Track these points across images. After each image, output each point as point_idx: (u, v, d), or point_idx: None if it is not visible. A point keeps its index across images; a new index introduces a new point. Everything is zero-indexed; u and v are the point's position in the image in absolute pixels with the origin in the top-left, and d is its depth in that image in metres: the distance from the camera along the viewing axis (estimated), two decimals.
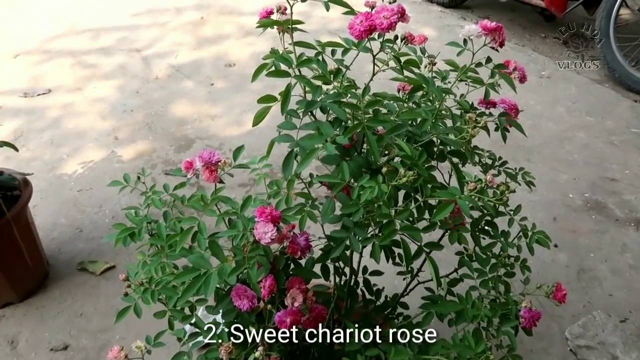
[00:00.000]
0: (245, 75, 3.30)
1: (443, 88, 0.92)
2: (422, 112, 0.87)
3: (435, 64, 1.06)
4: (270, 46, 1.00)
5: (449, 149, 0.92)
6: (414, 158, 0.80)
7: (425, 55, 1.05)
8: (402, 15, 0.78)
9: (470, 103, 1.04)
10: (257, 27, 0.92)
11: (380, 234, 0.83)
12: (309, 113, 0.88)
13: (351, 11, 0.87)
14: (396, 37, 0.87)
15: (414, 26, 3.75)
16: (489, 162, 1.10)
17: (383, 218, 0.78)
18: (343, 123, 0.87)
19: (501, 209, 1.02)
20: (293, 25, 0.93)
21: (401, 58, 0.92)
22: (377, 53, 0.89)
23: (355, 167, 0.86)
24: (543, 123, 2.69)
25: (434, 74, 1.05)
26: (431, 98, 1.01)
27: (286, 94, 0.81)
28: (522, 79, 0.99)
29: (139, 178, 1.13)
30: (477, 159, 1.05)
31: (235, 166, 0.91)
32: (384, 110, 1.01)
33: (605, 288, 1.82)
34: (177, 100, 2.99)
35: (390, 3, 0.79)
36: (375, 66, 0.90)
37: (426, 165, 0.85)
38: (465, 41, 0.90)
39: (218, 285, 0.91)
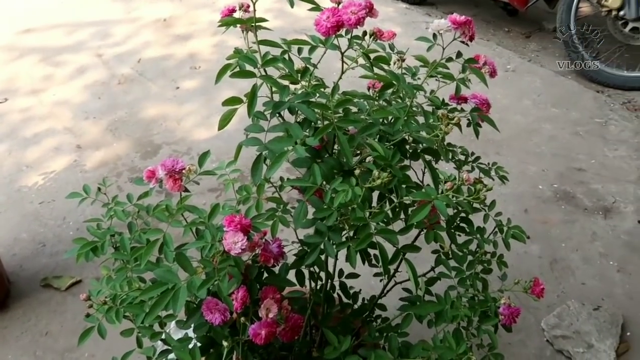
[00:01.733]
0: (213, 77, 3.23)
1: (414, 85, 0.90)
2: (394, 110, 0.84)
3: (404, 60, 1.04)
4: (240, 44, 0.96)
5: (422, 146, 0.90)
6: (387, 158, 0.78)
7: (395, 52, 1.03)
8: (370, 10, 0.76)
9: (442, 99, 1.03)
10: (219, 26, 0.88)
11: (355, 238, 0.80)
12: (277, 114, 0.85)
13: (317, 7, 0.83)
14: (365, 33, 0.85)
15: (380, 23, 3.74)
16: (462, 157, 1.09)
17: (358, 222, 0.75)
18: (313, 124, 0.83)
19: (476, 205, 1.01)
20: (257, 24, 0.90)
21: (370, 55, 0.89)
22: (346, 50, 0.86)
23: (327, 169, 0.83)
24: (510, 116, 2.72)
25: (403, 71, 1.03)
26: (402, 95, 0.99)
27: (252, 96, 0.77)
28: (493, 73, 0.97)
29: (99, 189, 1.07)
30: (450, 155, 1.03)
31: (201, 173, 0.87)
32: (354, 109, 0.98)
33: (577, 277, 1.84)
34: (141, 105, 2.90)
35: None
36: (344, 64, 0.87)
37: (400, 165, 0.82)
38: (434, 36, 0.88)
39: (189, 299, 0.87)
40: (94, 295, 0.90)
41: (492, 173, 1.07)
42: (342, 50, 0.85)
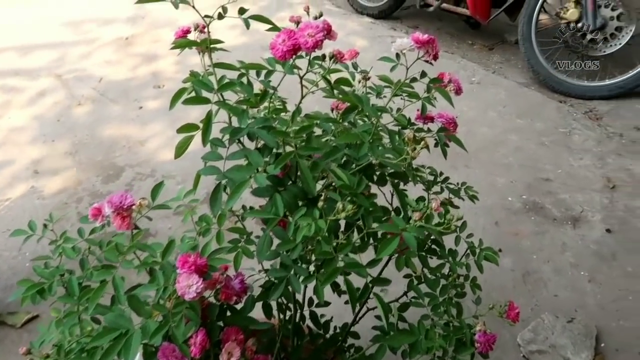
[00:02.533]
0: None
1: (378, 107, 0.87)
2: (359, 134, 0.81)
3: (368, 79, 1.01)
4: (200, 66, 0.91)
5: (389, 170, 0.86)
6: (353, 187, 0.74)
7: (358, 71, 0.99)
8: (328, 33, 0.72)
9: (408, 117, 1.00)
10: (171, 48, 0.83)
11: (322, 272, 0.75)
12: (236, 141, 0.80)
13: (275, 27, 0.80)
14: (324, 56, 0.81)
15: (345, 38, 3.75)
16: (431, 178, 1.06)
17: (323, 256, 0.71)
18: (274, 150, 0.79)
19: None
20: (214, 45, 0.85)
21: (332, 76, 0.86)
22: (305, 74, 0.82)
23: (290, 197, 0.79)
24: (477, 128, 2.74)
25: (368, 90, 1.00)
26: (367, 114, 0.96)
27: (207, 123, 0.72)
28: (458, 91, 0.95)
29: (45, 226, 0.99)
30: (418, 178, 1.00)
31: (155, 207, 0.81)
32: (318, 131, 0.95)
33: (550, 289, 1.84)
34: (103, 126, 2.80)
35: (315, 18, 0.72)
36: (304, 88, 0.83)
37: (367, 193, 0.78)
38: (398, 55, 0.85)
39: (147, 342, 0.80)
40: (35, 347, 0.82)
41: (462, 193, 1.04)
42: (302, 74, 0.81)
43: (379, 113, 0.82)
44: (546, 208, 2.19)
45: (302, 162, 0.73)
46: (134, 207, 0.72)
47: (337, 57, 0.79)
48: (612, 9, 2.97)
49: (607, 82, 3.05)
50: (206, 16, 0.93)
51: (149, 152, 2.60)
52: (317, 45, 0.68)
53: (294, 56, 0.69)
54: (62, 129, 2.78)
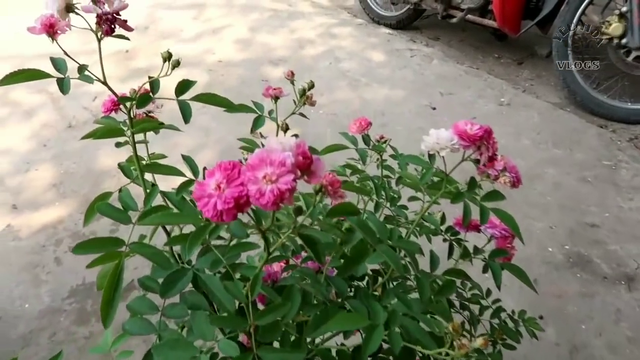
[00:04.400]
0: (177, 117, 2.91)
1: (396, 210, 0.57)
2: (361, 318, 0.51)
3: (385, 161, 0.72)
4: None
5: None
6: None
7: (370, 147, 0.71)
8: (306, 168, 0.42)
9: (440, 217, 0.71)
10: (82, 138, 0.56)
11: None
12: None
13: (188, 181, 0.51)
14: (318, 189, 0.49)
15: (361, 52, 3.47)
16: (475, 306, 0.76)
17: None
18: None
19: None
20: (160, 127, 0.58)
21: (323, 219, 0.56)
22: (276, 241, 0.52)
23: None
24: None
25: (385, 173, 0.72)
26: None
27: (113, 279, 0.44)
28: (516, 183, 0.66)
29: None
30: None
31: None
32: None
33: None
34: (92, 153, 2.55)
35: (285, 130, 0.44)
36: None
37: None
38: (430, 155, 0.57)
39: None
40: None
41: (521, 327, 0.75)
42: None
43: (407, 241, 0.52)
44: (594, 262, 1.87)
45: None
46: None
47: (326, 190, 0.47)
48: None
49: None
50: (149, 77, 0.66)
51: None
52: (282, 199, 0.39)
53: (234, 218, 0.39)
54: (48, 155, 2.53)
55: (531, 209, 2.12)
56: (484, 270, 0.67)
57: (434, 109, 2.89)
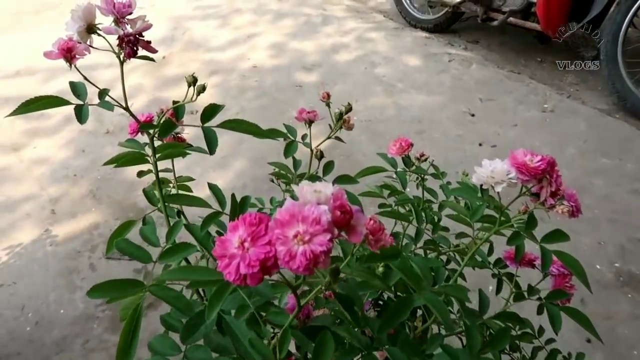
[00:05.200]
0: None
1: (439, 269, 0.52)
2: None
3: (425, 180, 0.67)
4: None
5: None
6: None
7: (411, 169, 0.66)
8: (344, 224, 0.35)
9: (489, 245, 0.65)
10: (104, 164, 0.53)
11: None
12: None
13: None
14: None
15: (397, 56, 3.39)
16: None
17: None
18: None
19: None
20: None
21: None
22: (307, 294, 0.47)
23: None
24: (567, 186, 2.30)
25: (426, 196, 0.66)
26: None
27: (132, 323, 0.40)
28: (576, 212, 0.60)
29: None
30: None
31: None
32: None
33: None
34: None
35: (319, 158, 0.39)
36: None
37: None
38: (481, 189, 0.51)
39: None
40: None
41: None
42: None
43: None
44: None
45: None
46: None
47: (368, 242, 0.39)
48: None
49: None
50: (174, 103, 0.63)
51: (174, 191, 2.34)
52: (316, 263, 0.33)
53: (259, 282, 0.33)
54: (87, 161, 2.58)
55: (577, 223, 2.00)
56: (539, 312, 0.61)
57: (473, 115, 2.79)
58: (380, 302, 0.70)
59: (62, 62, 0.68)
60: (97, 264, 1.99)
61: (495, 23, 3.26)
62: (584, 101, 2.91)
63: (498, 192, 0.49)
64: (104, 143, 2.71)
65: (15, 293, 1.88)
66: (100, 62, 3.50)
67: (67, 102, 0.56)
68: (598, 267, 1.81)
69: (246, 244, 0.33)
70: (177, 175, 0.87)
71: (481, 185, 0.50)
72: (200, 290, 0.52)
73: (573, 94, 3.02)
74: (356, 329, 0.45)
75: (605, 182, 2.22)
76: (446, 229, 0.79)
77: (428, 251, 0.75)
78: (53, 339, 1.69)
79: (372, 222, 0.36)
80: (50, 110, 3.23)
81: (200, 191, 0.90)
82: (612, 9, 2.69)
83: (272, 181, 0.79)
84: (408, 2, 3.88)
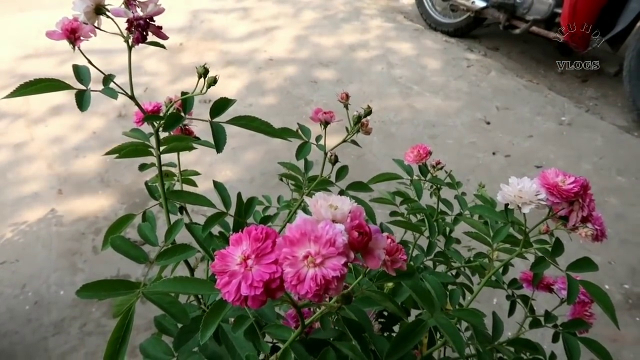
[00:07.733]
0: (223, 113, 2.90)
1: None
2: None
3: (439, 189, 0.64)
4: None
5: None
6: None
7: (427, 177, 0.63)
8: (362, 245, 0.32)
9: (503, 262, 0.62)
10: (106, 154, 0.51)
11: None
12: None
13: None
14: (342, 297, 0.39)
15: (415, 59, 3.35)
16: None
17: None
18: None
19: None
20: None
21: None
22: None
23: None
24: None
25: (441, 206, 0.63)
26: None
27: (121, 328, 0.38)
28: (600, 237, 0.57)
29: None
30: None
31: None
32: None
33: None
34: None
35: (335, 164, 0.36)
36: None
37: None
38: (507, 209, 0.48)
39: None
40: None
41: None
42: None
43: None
44: None
45: None
46: None
47: (385, 264, 0.36)
48: None
49: None
50: (182, 94, 0.61)
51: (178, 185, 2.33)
52: (327, 289, 0.30)
53: (263, 304, 0.30)
54: (97, 142, 2.57)
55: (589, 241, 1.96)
56: (554, 339, 0.58)
57: (488, 123, 2.75)
58: (385, 314, 0.67)
59: (83, 43, 0.65)
60: (99, 247, 1.98)
61: (517, 31, 3.20)
62: (602, 116, 2.86)
63: (524, 214, 0.46)
64: (115, 126, 2.70)
65: (17, 271, 1.87)
66: (118, 46, 3.51)
67: (68, 87, 0.54)
68: (607, 287, 1.78)
69: (249, 262, 0.30)
70: (184, 167, 0.84)
71: (506, 205, 0.47)
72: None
73: (592, 108, 2.96)
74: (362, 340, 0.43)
75: (619, 200, 2.18)
76: (458, 242, 0.76)
77: (437, 263, 0.72)
78: (51, 320, 1.68)
79: (390, 241, 0.33)
80: (62, 93, 3.24)
81: (208, 183, 0.88)
82: (637, 25, 2.64)
83: (282, 180, 0.77)
84: (430, 4, 3.83)
